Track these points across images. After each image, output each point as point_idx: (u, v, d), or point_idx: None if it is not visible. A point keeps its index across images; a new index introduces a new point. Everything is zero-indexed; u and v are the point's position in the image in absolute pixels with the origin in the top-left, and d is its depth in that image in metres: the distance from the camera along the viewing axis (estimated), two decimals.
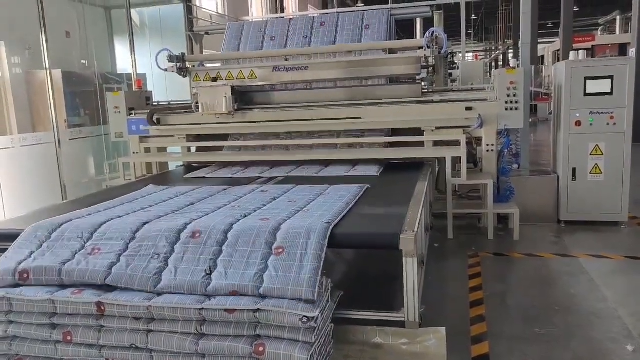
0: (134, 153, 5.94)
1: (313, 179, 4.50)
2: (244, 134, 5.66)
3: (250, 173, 4.88)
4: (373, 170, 4.57)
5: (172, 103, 6.75)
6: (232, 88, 5.38)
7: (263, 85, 5.73)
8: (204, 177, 4.90)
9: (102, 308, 2.48)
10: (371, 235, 2.85)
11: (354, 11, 6.24)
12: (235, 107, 5.42)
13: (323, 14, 7.47)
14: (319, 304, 2.34)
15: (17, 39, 6.75)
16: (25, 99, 6.90)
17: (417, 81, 5.64)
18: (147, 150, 5.92)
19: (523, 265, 4.66)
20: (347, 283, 3.49)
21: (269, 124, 5.42)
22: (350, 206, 3.24)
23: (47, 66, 6.15)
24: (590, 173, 5.49)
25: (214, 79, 5.57)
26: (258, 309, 2.32)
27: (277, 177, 4.63)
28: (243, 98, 5.64)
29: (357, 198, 3.48)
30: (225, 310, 2.34)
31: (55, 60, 6.43)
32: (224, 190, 3.87)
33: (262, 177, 4.68)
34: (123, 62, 8.45)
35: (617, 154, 5.39)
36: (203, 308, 2.36)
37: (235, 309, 2.33)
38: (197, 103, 5.43)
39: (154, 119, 5.71)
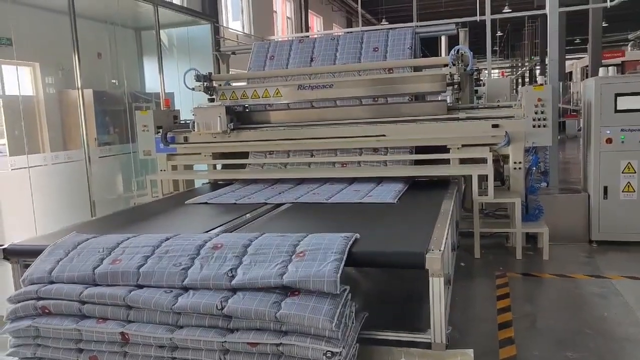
0: (161, 170, 6.04)
1: (323, 206, 4.21)
2: (268, 151, 5.70)
3: (256, 198, 4.55)
4: (390, 197, 4.26)
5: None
6: (227, 108, 5.47)
7: (288, 103, 5.79)
8: (206, 203, 4.57)
9: (127, 336, 2.52)
10: (396, 254, 2.80)
11: (379, 30, 6.27)
12: (231, 127, 5.48)
13: (347, 32, 7.51)
14: (343, 339, 2.32)
15: (51, 60, 6.99)
16: (57, 117, 7.12)
17: (443, 99, 5.61)
18: (174, 167, 6.00)
19: (553, 286, 4.54)
20: (372, 303, 3.45)
21: (295, 142, 5.46)
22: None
23: (79, 86, 6.33)
24: (623, 191, 5.35)
25: None
26: (281, 343, 2.31)
27: (283, 203, 4.33)
28: (259, 116, 5.71)
29: (344, 256, 2.56)
30: (248, 343, 2.35)
31: (87, 80, 6.63)
32: (167, 240, 2.89)
33: (268, 204, 4.31)
34: (152, 81, 8.65)
35: None
36: (226, 341, 2.37)
37: (258, 343, 2.33)
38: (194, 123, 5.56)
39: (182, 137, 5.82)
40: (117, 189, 7.47)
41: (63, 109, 7.13)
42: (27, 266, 2.96)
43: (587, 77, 14.14)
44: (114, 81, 7.86)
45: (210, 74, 5.86)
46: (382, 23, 21.68)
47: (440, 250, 2.64)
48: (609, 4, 11.25)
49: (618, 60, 16.24)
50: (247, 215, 3.96)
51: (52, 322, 2.62)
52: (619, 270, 4.72)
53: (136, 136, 6.24)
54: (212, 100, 5.85)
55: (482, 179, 5.01)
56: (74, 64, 6.29)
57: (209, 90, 5.81)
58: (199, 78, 5.76)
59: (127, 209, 5.00)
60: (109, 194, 7.13)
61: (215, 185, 5.66)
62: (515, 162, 5.13)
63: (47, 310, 2.66)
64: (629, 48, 19.22)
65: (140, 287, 2.61)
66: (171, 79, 8.05)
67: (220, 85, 5.94)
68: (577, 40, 27.41)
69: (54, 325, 2.61)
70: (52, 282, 2.73)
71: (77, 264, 2.78)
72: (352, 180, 5.07)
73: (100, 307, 2.59)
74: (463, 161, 5.15)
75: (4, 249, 3.21)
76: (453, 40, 6.14)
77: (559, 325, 3.68)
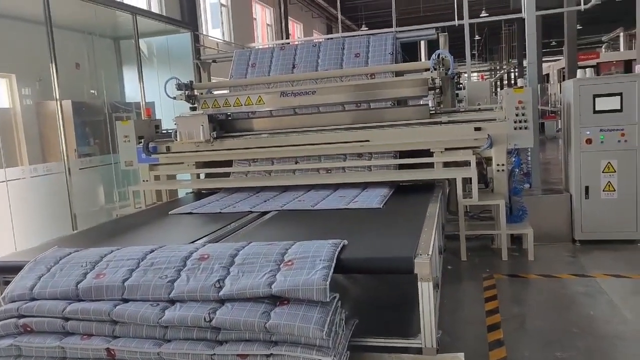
0: (143, 181, 5.96)
1: (309, 213, 4.18)
2: (252, 159, 5.66)
3: (242, 207, 4.51)
4: (376, 202, 4.24)
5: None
6: (209, 116, 5.43)
7: (271, 111, 5.77)
8: (190, 213, 4.47)
9: (113, 352, 2.46)
10: (385, 259, 2.80)
11: (360, 35, 6.28)
12: (214, 135, 5.43)
13: (328, 38, 7.52)
14: (333, 347, 2.29)
15: (28, 71, 6.86)
16: (35, 129, 6.97)
17: (425, 103, 5.64)
18: (157, 178, 5.93)
19: (539, 286, 4.57)
20: (362, 309, 3.43)
21: (279, 149, 5.43)
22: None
23: (57, 97, 6.22)
24: (604, 191, 5.43)
25: None
26: (271, 354, 2.28)
27: (269, 211, 4.29)
28: (242, 124, 5.69)
29: (333, 263, 2.53)
30: (238, 355, 2.31)
31: (65, 91, 6.51)
32: (152, 252, 2.83)
33: (254, 212, 4.28)
34: (132, 91, 8.54)
35: (630, 170, 5.34)
36: (215, 354, 2.33)
37: (248, 354, 2.30)
38: (176, 132, 5.51)
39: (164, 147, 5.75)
40: (98, 201, 7.34)
41: (41, 120, 7.00)
42: (7, 283, 2.88)
43: (564, 79, 14.39)
44: (93, 91, 7.75)
45: (191, 82, 5.80)
46: (362, 29, 21.79)
47: (428, 255, 2.63)
48: (582, 7, 11.47)
49: (593, 62, 16.55)
50: (233, 224, 3.92)
51: (34, 341, 2.54)
52: (602, 269, 4.78)
53: (117, 147, 6.15)
54: (194, 109, 5.80)
55: (466, 181, 5.04)
56: (52, 75, 6.18)
57: (190, 99, 5.76)
58: (180, 87, 5.70)
59: (110, 221, 4.92)
60: (91, 206, 7.00)
61: (199, 194, 5.60)
62: (498, 164, 5.17)
63: (29, 328, 2.58)
64: (603, 50, 19.65)
65: (126, 301, 2.55)
66: (152, 88, 7.97)
67: (202, 93, 5.90)
68: (553, 43, 27.90)
69: (37, 344, 2.53)
70: (33, 299, 2.66)
71: (59, 279, 2.71)
72: (337, 186, 5.06)
73: (84, 323, 2.52)
74: (447, 164, 5.17)
75: None
76: (433, 45, 6.17)
77: (547, 326, 3.71)
